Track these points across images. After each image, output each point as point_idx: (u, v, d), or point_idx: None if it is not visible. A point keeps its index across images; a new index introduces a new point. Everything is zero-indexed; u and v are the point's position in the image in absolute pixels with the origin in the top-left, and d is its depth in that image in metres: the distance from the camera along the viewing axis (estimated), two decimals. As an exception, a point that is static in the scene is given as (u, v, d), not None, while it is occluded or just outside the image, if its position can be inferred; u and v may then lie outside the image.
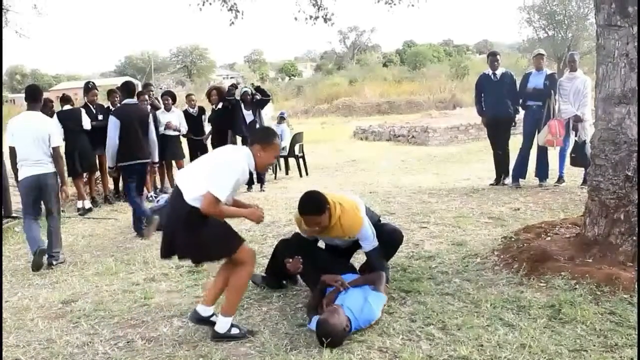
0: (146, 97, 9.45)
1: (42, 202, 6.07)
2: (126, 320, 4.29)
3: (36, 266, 5.82)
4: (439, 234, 6.16)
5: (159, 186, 10.17)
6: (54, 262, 5.93)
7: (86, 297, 4.88)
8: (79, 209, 8.72)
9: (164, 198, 7.96)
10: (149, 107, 8.80)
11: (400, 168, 11.88)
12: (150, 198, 9.19)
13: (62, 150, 7.14)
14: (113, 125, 6.80)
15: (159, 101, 9.84)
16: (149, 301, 4.67)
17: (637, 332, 3.48)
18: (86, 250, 6.55)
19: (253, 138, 3.98)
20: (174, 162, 9.98)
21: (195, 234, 3.66)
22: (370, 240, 4.34)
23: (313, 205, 4.11)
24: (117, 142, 6.80)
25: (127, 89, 7.19)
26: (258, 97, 9.82)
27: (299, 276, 4.61)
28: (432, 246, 5.73)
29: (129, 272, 5.56)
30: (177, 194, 3.70)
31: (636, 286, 4.03)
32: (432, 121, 18.25)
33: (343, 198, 4.36)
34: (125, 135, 6.81)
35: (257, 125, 9.71)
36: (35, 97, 6.12)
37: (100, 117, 8.93)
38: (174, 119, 9.56)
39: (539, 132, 8.34)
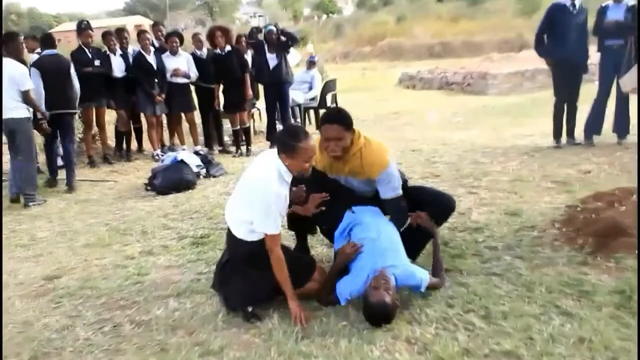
0: (147, 36, 9.35)
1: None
2: (115, 301, 4.27)
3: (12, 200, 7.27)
4: (490, 202, 6.01)
5: (167, 144, 10.18)
6: (30, 204, 7.15)
7: (72, 273, 4.90)
8: None
9: (170, 157, 7.97)
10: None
11: (450, 122, 11.72)
12: (157, 157, 9.21)
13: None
14: (35, 76, 7.53)
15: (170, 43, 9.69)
16: (143, 278, 4.65)
17: None
18: (78, 218, 6.60)
19: (277, 145, 3.88)
20: (183, 115, 9.98)
21: (265, 270, 3.82)
22: (393, 186, 4.16)
23: (342, 116, 4.12)
24: (42, 90, 7.51)
25: (46, 40, 8.17)
26: (283, 38, 9.66)
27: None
28: (481, 216, 5.59)
29: (123, 244, 5.57)
30: (231, 235, 3.95)
31: None
32: (493, 66, 17.89)
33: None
34: (47, 86, 7.58)
35: (283, 71, 9.61)
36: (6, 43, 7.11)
37: (97, 62, 8.91)
38: (182, 64, 9.45)
39: (619, 77, 7.96)
